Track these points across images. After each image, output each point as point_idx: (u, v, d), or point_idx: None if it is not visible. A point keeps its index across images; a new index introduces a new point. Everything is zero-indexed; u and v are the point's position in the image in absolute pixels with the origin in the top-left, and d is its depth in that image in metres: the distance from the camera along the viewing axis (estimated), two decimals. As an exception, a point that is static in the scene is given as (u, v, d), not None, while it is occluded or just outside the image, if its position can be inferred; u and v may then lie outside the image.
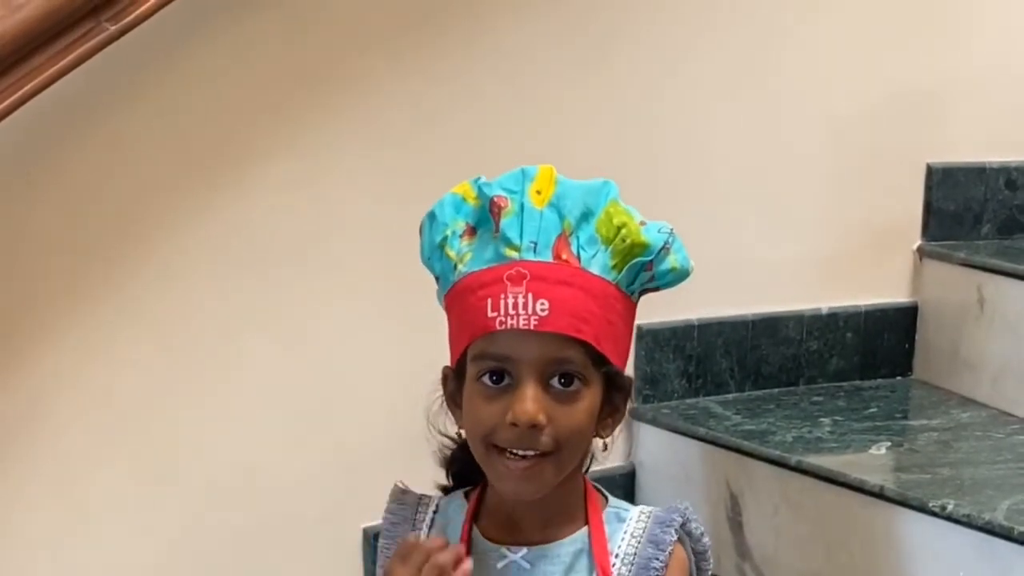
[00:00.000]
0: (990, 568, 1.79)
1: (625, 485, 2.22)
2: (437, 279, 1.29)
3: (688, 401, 2.27)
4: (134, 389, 1.82)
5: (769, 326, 2.34)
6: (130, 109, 1.76)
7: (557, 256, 1.22)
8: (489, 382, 1.23)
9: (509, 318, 1.21)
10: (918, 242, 2.48)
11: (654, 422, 2.21)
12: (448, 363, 1.30)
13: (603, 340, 1.23)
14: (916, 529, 1.87)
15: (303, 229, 1.92)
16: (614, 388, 1.28)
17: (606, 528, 1.29)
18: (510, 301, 1.21)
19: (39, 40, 1.57)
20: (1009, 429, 2.18)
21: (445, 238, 1.26)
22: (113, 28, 1.62)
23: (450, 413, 1.31)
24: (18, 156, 1.70)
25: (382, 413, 1.96)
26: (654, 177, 2.20)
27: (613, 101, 2.16)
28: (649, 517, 1.30)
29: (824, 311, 2.39)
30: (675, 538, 1.29)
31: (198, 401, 1.87)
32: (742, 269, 2.31)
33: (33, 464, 1.77)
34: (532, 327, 1.20)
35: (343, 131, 1.93)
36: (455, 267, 1.25)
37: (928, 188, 2.48)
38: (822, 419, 2.21)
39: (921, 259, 2.47)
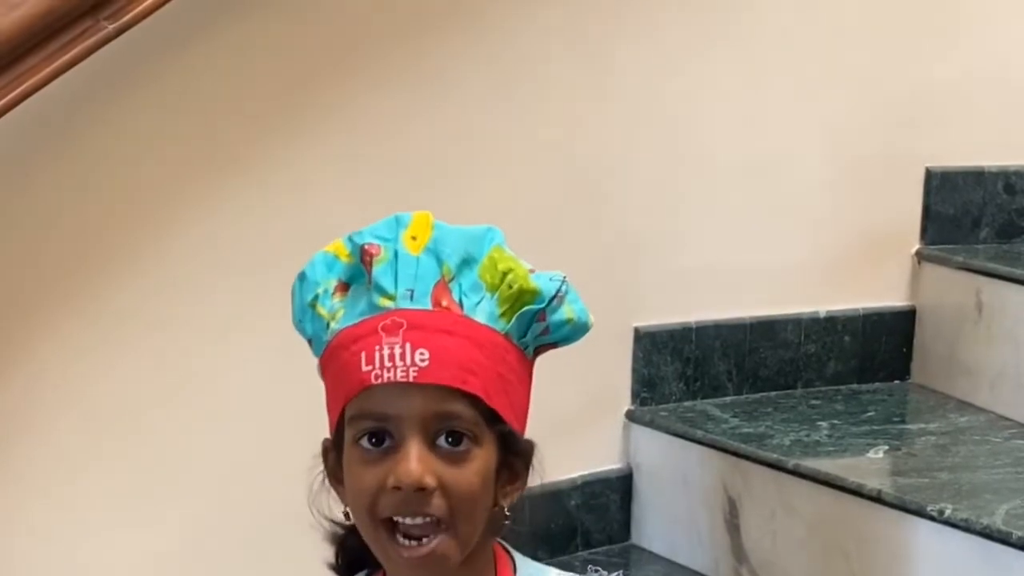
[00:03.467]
0: (988, 572, 1.79)
1: (622, 488, 2.22)
2: (310, 342, 1.19)
3: (685, 404, 2.27)
4: (128, 388, 1.82)
5: (767, 329, 2.34)
6: (125, 110, 1.76)
7: (437, 303, 1.12)
8: (368, 444, 1.11)
9: (385, 371, 1.09)
10: (916, 246, 2.48)
11: (651, 425, 2.21)
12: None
13: (493, 394, 1.11)
14: (914, 533, 1.87)
15: (298, 229, 1.91)
16: (511, 452, 1.15)
17: None
18: (386, 352, 1.09)
19: (36, 38, 1.56)
20: (1007, 433, 2.18)
21: (316, 296, 1.16)
22: (111, 27, 1.61)
23: (333, 491, 1.18)
24: (13, 155, 1.69)
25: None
26: (651, 181, 2.20)
27: (610, 105, 2.16)
28: None
29: (822, 314, 2.39)
30: None
31: (193, 400, 1.86)
32: (740, 272, 2.31)
33: (26, 462, 1.76)
34: (412, 379, 1.09)
35: (337, 134, 1.92)
36: (327, 325, 1.15)
37: (926, 192, 2.48)
38: (820, 423, 2.21)
39: (919, 263, 2.47)
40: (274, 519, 1.93)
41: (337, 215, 1.94)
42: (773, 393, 2.35)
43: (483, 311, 1.13)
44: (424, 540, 1.11)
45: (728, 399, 2.31)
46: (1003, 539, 1.76)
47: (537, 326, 1.15)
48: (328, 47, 1.90)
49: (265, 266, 1.89)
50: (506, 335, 1.14)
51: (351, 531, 1.18)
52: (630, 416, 2.22)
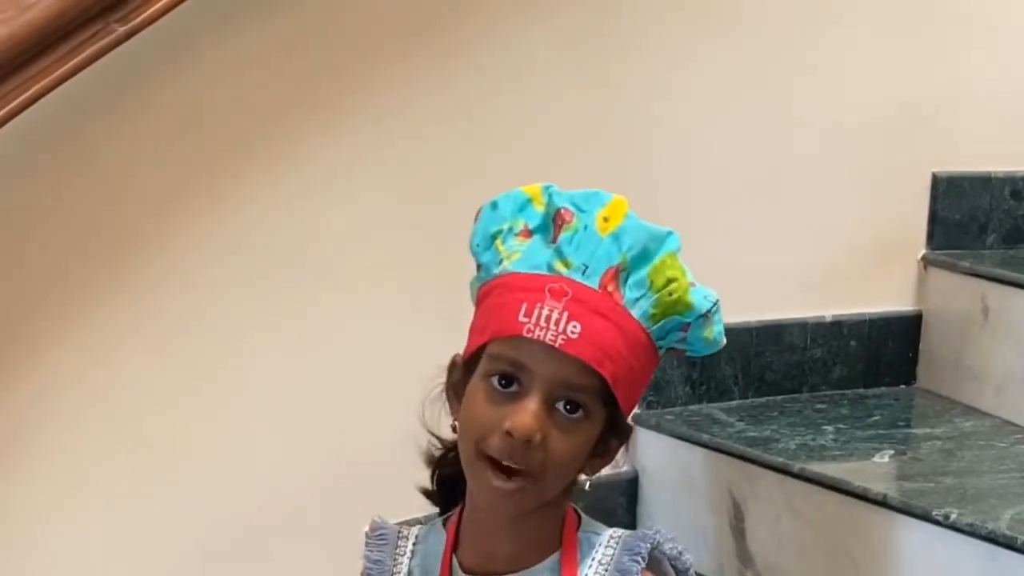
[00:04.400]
0: (993, 577, 1.80)
1: (628, 491, 2.22)
2: (479, 267, 1.28)
3: (692, 407, 2.27)
4: (138, 392, 1.82)
5: (773, 333, 2.34)
6: (137, 112, 1.77)
7: (603, 287, 1.22)
8: (497, 384, 1.21)
9: (539, 329, 1.20)
10: (923, 251, 2.48)
11: (657, 428, 2.21)
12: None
13: (620, 382, 1.22)
14: (919, 538, 1.87)
15: (309, 233, 1.92)
16: (612, 432, 1.26)
17: (577, 554, 1.28)
18: (544, 312, 1.20)
19: (47, 41, 1.57)
20: (1013, 439, 2.18)
21: (500, 231, 1.25)
22: (122, 29, 1.62)
23: (447, 403, 1.29)
24: (25, 157, 1.70)
25: (387, 416, 1.95)
26: (658, 183, 2.20)
27: (616, 106, 2.16)
28: (618, 543, 1.29)
29: (828, 319, 2.39)
30: (642, 566, 1.27)
31: (202, 404, 1.87)
32: (746, 276, 2.31)
33: (35, 465, 1.77)
34: (558, 345, 1.19)
35: (351, 136, 1.93)
36: (500, 262, 1.25)
37: (933, 197, 2.48)
38: (825, 427, 2.21)
39: (926, 268, 2.47)
40: (278, 520, 1.94)
41: (350, 215, 1.95)
42: (779, 397, 2.35)
43: (639, 308, 1.22)
44: (514, 478, 1.21)
45: (734, 403, 2.31)
46: (1008, 544, 1.76)
47: (677, 334, 1.25)
48: (341, 48, 1.91)
49: (277, 267, 1.90)
50: (649, 334, 1.23)
51: (444, 455, 1.31)
52: (636, 420, 2.22)
